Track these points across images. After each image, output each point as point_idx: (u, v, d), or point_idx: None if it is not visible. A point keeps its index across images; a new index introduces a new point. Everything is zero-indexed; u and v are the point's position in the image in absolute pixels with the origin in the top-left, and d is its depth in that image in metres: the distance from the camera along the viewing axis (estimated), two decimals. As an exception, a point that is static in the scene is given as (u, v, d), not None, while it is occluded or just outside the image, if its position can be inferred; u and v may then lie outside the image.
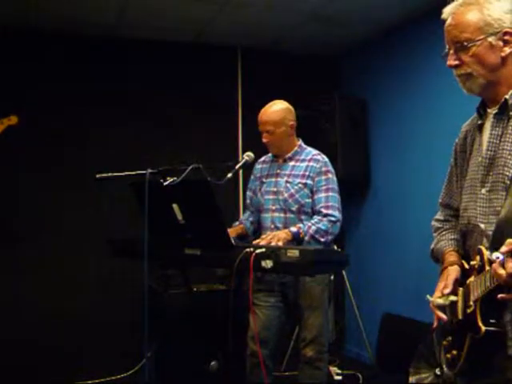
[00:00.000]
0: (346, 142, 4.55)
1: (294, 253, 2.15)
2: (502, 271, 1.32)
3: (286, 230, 2.79)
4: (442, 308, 1.63)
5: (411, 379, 1.87)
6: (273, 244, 2.58)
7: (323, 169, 2.97)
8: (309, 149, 3.08)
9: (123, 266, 3.29)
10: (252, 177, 3.26)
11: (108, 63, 4.52)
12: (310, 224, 2.83)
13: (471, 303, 1.50)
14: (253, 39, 4.72)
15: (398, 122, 4.44)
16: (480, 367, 1.53)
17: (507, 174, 1.52)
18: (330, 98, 4.59)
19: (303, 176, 2.97)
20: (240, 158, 2.99)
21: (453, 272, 1.65)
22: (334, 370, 4.19)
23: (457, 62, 1.58)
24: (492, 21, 1.54)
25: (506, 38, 1.55)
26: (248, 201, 3.25)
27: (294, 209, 2.95)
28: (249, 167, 3.20)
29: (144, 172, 2.47)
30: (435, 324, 1.66)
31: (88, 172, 2.84)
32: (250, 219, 3.19)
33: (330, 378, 4.08)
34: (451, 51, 1.59)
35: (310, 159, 3.00)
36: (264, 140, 3.01)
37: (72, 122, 4.36)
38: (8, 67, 4.20)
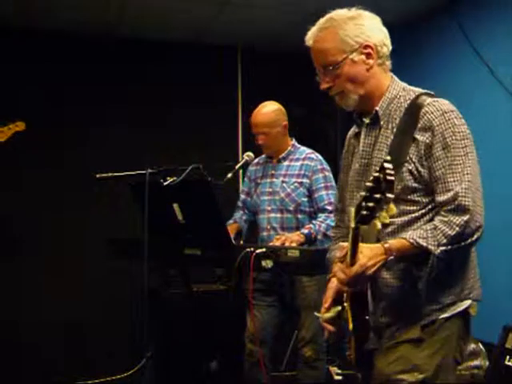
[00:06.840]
0: (346, 141, 4.54)
1: (294, 253, 2.16)
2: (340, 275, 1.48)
3: (298, 233, 2.76)
4: (331, 320, 1.67)
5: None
6: (286, 245, 2.56)
7: (319, 167, 2.97)
8: (302, 148, 3.09)
9: (123, 266, 3.28)
10: (246, 179, 3.26)
11: (108, 63, 4.51)
12: (318, 222, 2.82)
13: (345, 304, 1.61)
14: (253, 39, 4.71)
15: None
16: (365, 363, 1.63)
17: None
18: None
19: (298, 175, 2.97)
20: (240, 158, 3.00)
21: (332, 283, 1.70)
22: (333, 369, 4.18)
23: (328, 85, 1.69)
24: (349, 39, 1.62)
25: (367, 50, 1.63)
26: (240, 204, 3.25)
27: (291, 208, 2.95)
28: (249, 167, 3.20)
29: (144, 172, 2.47)
30: (326, 336, 1.72)
31: (88, 172, 2.84)
32: (244, 218, 3.20)
33: (330, 378, 4.08)
34: (322, 75, 1.69)
35: (305, 158, 3.01)
36: (260, 142, 3.02)
37: (72, 122, 4.36)
38: (8, 67, 4.20)
